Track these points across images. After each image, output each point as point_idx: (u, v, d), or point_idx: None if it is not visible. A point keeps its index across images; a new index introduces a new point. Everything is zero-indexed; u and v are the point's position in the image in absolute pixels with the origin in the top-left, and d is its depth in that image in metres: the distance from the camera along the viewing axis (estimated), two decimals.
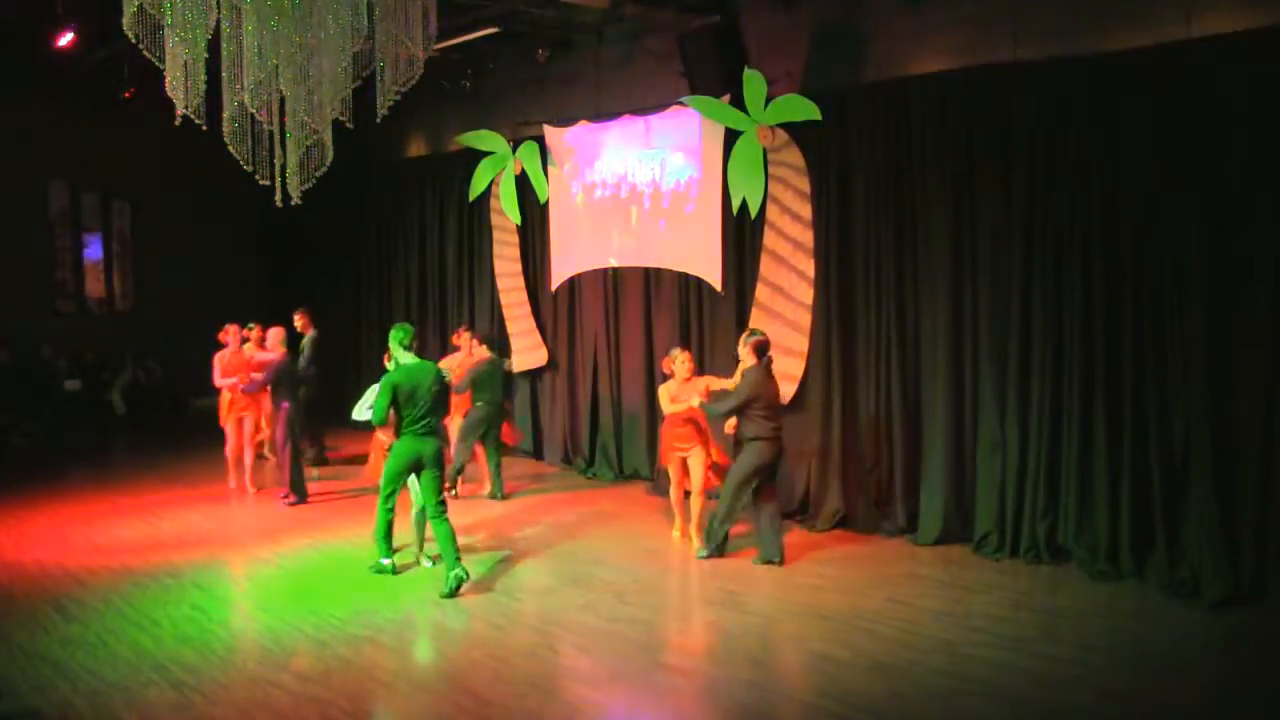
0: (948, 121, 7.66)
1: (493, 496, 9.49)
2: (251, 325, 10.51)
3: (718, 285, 9.34)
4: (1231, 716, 5.05)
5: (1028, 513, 7.34)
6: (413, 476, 7.16)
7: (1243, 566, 6.35)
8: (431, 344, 12.33)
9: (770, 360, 7.38)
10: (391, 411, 6.84)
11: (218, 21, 5.99)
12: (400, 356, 7.02)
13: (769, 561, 7.31)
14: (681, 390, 7.69)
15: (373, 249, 14.04)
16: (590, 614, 6.44)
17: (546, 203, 10.95)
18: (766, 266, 8.86)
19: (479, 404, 9.27)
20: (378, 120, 6.81)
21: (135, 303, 15.60)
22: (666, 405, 7.76)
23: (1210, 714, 5.07)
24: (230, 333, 10.15)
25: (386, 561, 7.18)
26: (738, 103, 8.71)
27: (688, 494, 7.90)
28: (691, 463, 7.76)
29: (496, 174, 11.32)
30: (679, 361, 7.74)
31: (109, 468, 12.04)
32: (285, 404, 9.39)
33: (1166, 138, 6.62)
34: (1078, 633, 6.01)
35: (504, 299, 11.64)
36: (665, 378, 7.93)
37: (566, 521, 8.78)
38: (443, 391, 7.11)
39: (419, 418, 6.85)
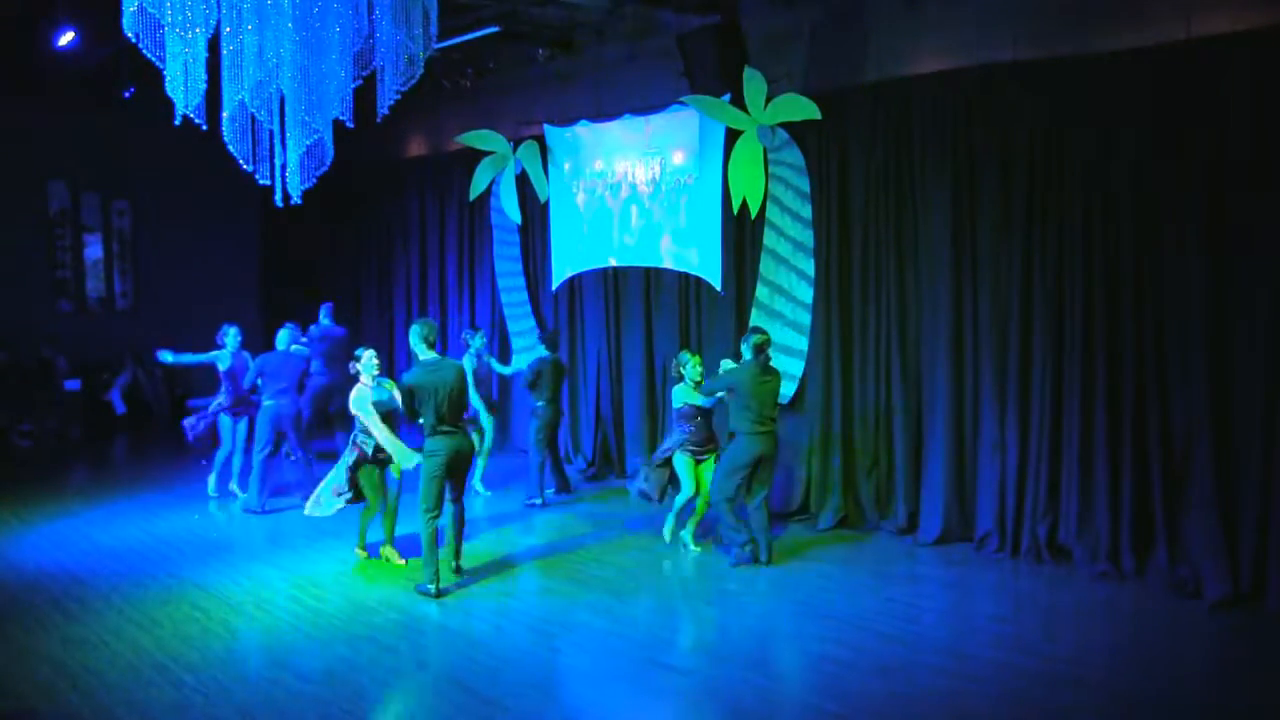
0: (948, 121, 7.66)
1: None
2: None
3: (718, 285, 9.34)
4: (1231, 716, 5.05)
5: (1028, 512, 7.34)
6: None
7: (1243, 566, 6.35)
8: None
9: (766, 359, 7.27)
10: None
11: (218, 21, 5.99)
12: (421, 354, 6.74)
13: (755, 561, 7.27)
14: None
15: (373, 249, 14.03)
16: (590, 614, 6.44)
17: (547, 202, 10.94)
18: (766, 266, 8.86)
19: (542, 404, 9.19)
20: (378, 120, 6.81)
21: (135, 303, 15.58)
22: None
23: (1210, 714, 5.06)
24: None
25: (430, 587, 6.70)
26: (738, 103, 8.69)
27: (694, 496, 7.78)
28: (704, 467, 7.71)
29: (496, 174, 11.32)
30: (691, 366, 7.66)
31: (109, 468, 12.05)
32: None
33: (1166, 138, 6.62)
34: (1078, 633, 6.01)
35: (505, 299, 11.65)
36: (674, 380, 7.83)
37: (567, 521, 8.78)
38: (464, 391, 6.89)
39: (444, 417, 6.65)
